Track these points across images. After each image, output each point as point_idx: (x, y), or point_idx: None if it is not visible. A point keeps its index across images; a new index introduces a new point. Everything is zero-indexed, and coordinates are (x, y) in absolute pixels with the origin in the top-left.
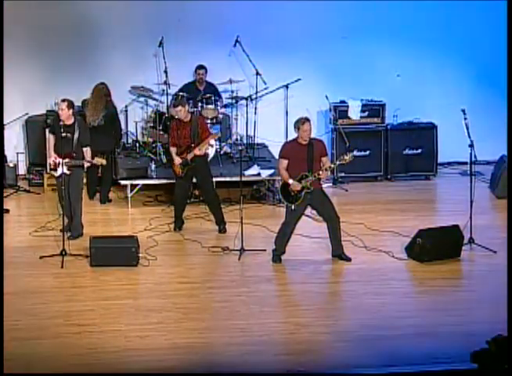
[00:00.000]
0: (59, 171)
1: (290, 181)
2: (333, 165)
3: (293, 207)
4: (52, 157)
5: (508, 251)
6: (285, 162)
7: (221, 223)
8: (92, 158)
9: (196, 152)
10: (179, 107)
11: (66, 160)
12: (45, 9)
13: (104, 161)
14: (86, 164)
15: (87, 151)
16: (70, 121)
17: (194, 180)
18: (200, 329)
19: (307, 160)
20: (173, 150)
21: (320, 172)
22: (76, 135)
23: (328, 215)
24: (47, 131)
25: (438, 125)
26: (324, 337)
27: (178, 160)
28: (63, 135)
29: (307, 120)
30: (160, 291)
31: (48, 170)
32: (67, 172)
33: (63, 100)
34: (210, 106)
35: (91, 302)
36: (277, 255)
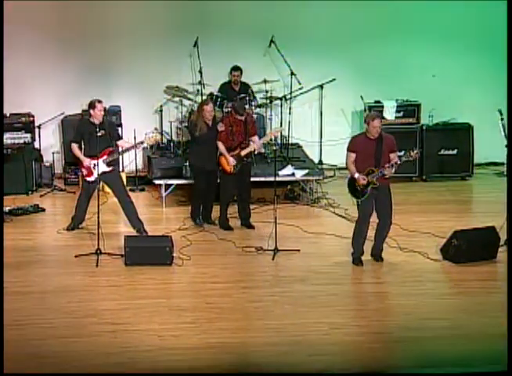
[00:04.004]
0: (96, 173)
1: (356, 175)
2: (399, 162)
3: (359, 201)
4: (85, 162)
5: (508, 251)
6: (353, 156)
7: (248, 218)
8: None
9: (263, 141)
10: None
11: (104, 157)
12: (79, 10)
13: (158, 136)
14: (126, 147)
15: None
16: (101, 120)
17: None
18: (233, 329)
19: (375, 155)
20: (222, 145)
21: (385, 167)
22: (109, 131)
23: (383, 213)
24: (72, 142)
25: (473, 126)
26: (358, 338)
27: (232, 160)
28: (99, 134)
29: (377, 116)
30: (194, 290)
31: (82, 175)
32: (108, 170)
33: (100, 101)
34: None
35: (125, 301)
36: (357, 257)
